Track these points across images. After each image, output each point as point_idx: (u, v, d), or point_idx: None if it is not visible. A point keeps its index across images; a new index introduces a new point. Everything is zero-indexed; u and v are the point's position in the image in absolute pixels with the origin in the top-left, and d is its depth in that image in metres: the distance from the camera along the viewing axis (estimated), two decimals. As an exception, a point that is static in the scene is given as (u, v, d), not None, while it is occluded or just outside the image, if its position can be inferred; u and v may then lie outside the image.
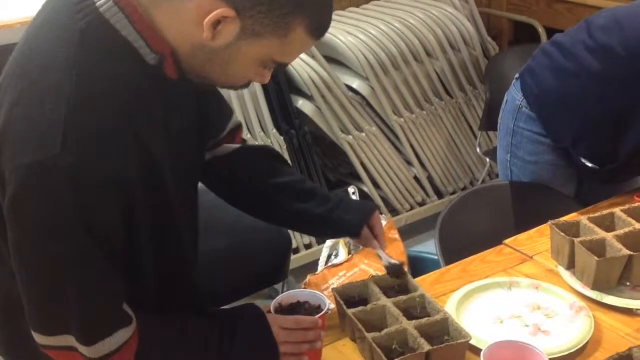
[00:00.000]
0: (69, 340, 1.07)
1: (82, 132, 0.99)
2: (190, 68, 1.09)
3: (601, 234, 1.50)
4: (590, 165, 1.86)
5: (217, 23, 1.02)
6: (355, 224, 1.46)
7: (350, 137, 3.02)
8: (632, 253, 1.45)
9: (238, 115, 2.81)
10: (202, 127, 1.31)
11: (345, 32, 3.04)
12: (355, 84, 3.03)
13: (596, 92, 1.78)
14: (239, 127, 1.48)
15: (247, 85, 1.16)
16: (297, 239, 2.86)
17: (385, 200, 3.18)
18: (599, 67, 1.75)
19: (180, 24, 1.04)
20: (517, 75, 1.97)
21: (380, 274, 1.47)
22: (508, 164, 2.02)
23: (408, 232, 3.00)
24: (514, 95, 1.96)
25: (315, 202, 1.45)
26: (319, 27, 1.08)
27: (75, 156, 0.98)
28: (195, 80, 1.11)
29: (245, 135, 2.83)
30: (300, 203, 1.45)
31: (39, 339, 1.09)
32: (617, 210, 1.59)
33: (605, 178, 1.89)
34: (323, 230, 1.54)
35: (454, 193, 3.34)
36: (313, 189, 1.48)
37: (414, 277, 1.48)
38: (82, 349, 1.07)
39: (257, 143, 1.59)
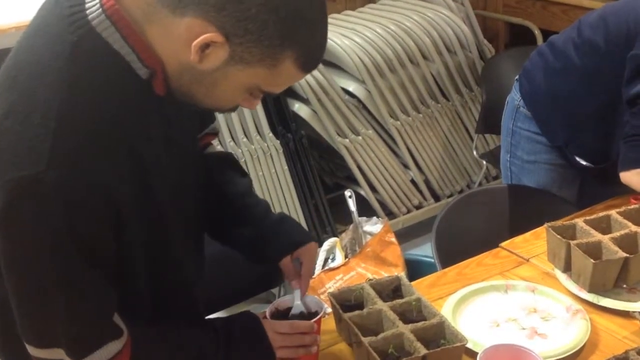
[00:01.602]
0: (59, 353, 1.06)
1: (70, 147, 0.98)
2: (176, 87, 1.07)
3: (597, 236, 1.50)
4: (584, 163, 1.87)
5: (205, 46, 1.00)
6: (274, 254, 1.34)
7: (347, 140, 3.02)
8: (628, 255, 1.44)
9: (234, 119, 2.81)
10: (195, 131, 1.30)
11: (340, 35, 3.04)
12: (351, 86, 3.03)
13: (582, 88, 1.81)
14: (213, 134, 1.44)
15: (234, 109, 1.15)
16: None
17: (382, 204, 3.18)
18: (582, 63, 1.79)
19: (170, 42, 1.02)
20: (516, 77, 2.01)
21: (377, 277, 1.47)
22: (508, 164, 2.05)
23: (405, 236, 3.00)
24: (513, 96, 2.00)
25: (248, 224, 1.35)
26: (308, 62, 1.06)
27: (62, 171, 0.97)
28: (181, 98, 1.09)
29: (242, 138, 2.83)
30: (234, 222, 1.37)
31: (31, 350, 1.08)
32: (613, 213, 1.59)
33: (604, 176, 1.90)
34: (246, 255, 1.39)
35: (450, 196, 3.34)
36: (252, 206, 1.38)
37: (411, 280, 1.47)
38: None
39: (221, 149, 1.51)
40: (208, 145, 1.43)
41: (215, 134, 1.44)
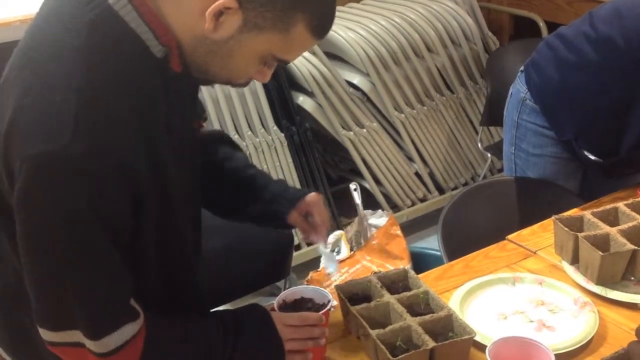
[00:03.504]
0: (76, 335, 1.06)
1: (92, 122, 0.99)
2: (192, 61, 1.09)
3: (605, 228, 1.50)
4: (593, 157, 1.86)
5: (219, 14, 1.02)
6: (280, 213, 1.39)
7: (351, 133, 3.01)
8: (636, 247, 1.44)
9: (239, 112, 2.81)
10: (193, 121, 1.31)
11: (345, 27, 3.03)
12: (356, 79, 3.02)
13: (596, 83, 1.78)
14: (202, 119, 1.46)
15: (247, 83, 1.16)
16: (299, 235, 2.85)
17: (387, 196, 3.17)
18: (598, 58, 1.76)
19: (184, 15, 1.04)
20: (521, 68, 1.98)
21: (382, 270, 1.47)
22: (512, 157, 2.03)
23: (409, 228, 3.00)
24: (519, 88, 1.97)
25: (254, 196, 1.40)
26: (320, 26, 1.08)
27: (85, 145, 0.97)
28: (197, 74, 1.11)
29: (246, 132, 2.83)
30: (241, 197, 1.42)
31: (46, 335, 1.08)
32: (620, 205, 1.58)
33: (609, 171, 1.88)
34: (254, 222, 1.45)
35: (455, 188, 3.33)
36: (253, 177, 1.42)
37: (417, 273, 1.47)
38: (89, 343, 1.06)
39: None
40: (200, 127, 1.44)
41: (205, 119, 1.45)
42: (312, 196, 1.40)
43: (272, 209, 1.40)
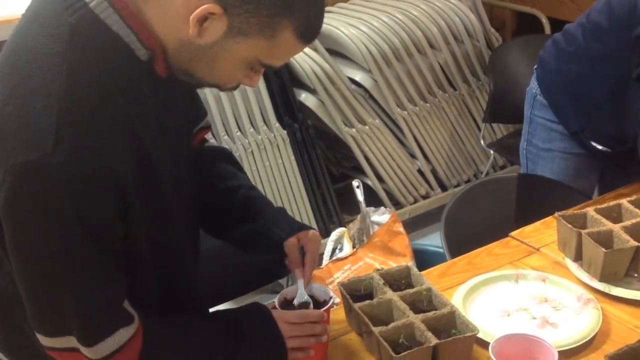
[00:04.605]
0: (71, 341, 1.06)
1: (75, 130, 0.98)
2: (177, 65, 1.07)
3: (608, 225, 1.49)
4: (600, 147, 1.87)
5: (203, 19, 1.00)
6: (278, 236, 1.30)
7: (353, 130, 3.01)
8: (639, 244, 1.44)
9: (241, 109, 2.81)
10: (191, 123, 1.30)
11: (347, 24, 3.03)
12: (358, 76, 3.02)
13: (591, 71, 1.82)
14: (206, 128, 1.42)
15: (235, 87, 1.14)
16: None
17: (389, 194, 3.17)
18: (588, 45, 1.81)
19: (168, 19, 1.02)
20: (535, 66, 2.03)
21: (385, 267, 1.46)
22: (524, 152, 2.07)
23: (412, 225, 2.99)
24: (532, 85, 2.02)
25: (253, 214, 1.33)
26: (307, 31, 1.06)
27: (68, 154, 0.96)
28: (182, 78, 1.09)
29: (249, 129, 2.83)
30: (239, 214, 1.34)
31: (43, 340, 1.08)
32: (623, 202, 1.58)
33: (622, 165, 1.89)
34: (249, 245, 1.36)
35: (457, 186, 3.33)
36: (255, 198, 1.36)
37: (419, 270, 1.47)
38: (83, 349, 1.06)
39: (215, 144, 1.48)
40: (203, 140, 1.42)
41: (209, 127, 1.43)
42: (313, 233, 1.32)
43: (271, 230, 1.32)
